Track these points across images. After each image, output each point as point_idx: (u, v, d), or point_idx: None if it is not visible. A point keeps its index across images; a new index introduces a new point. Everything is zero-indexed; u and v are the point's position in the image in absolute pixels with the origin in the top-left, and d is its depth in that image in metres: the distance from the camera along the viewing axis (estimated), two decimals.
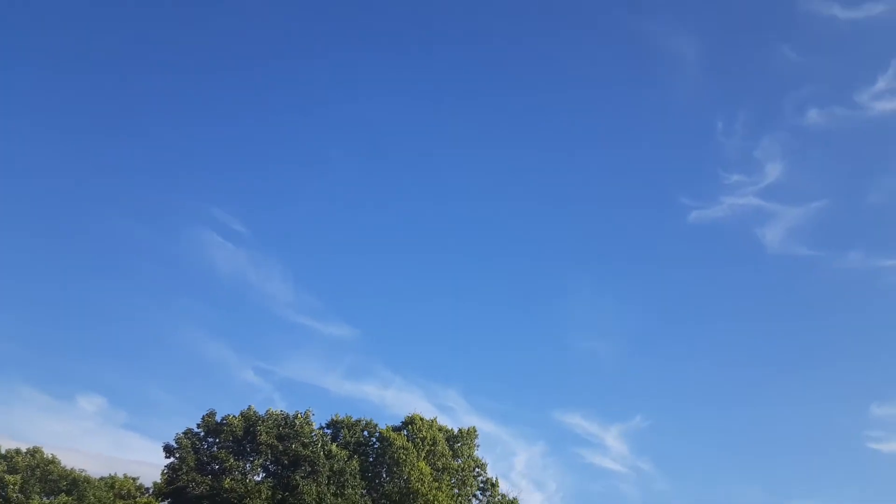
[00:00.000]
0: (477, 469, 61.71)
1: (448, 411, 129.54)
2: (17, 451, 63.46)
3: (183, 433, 45.47)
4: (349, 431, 55.71)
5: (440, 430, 59.76)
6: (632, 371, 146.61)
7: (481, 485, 61.50)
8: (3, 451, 62.83)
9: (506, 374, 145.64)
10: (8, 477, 60.56)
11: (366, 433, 57.34)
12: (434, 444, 56.09)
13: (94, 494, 59.48)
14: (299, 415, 49.01)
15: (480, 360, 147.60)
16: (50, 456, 63.86)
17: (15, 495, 59.76)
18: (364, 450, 55.75)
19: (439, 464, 56.36)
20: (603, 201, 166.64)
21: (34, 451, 63.77)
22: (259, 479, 46.65)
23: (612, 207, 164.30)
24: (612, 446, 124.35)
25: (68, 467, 62.22)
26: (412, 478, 52.04)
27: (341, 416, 56.68)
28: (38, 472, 62.18)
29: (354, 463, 50.79)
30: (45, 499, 59.92)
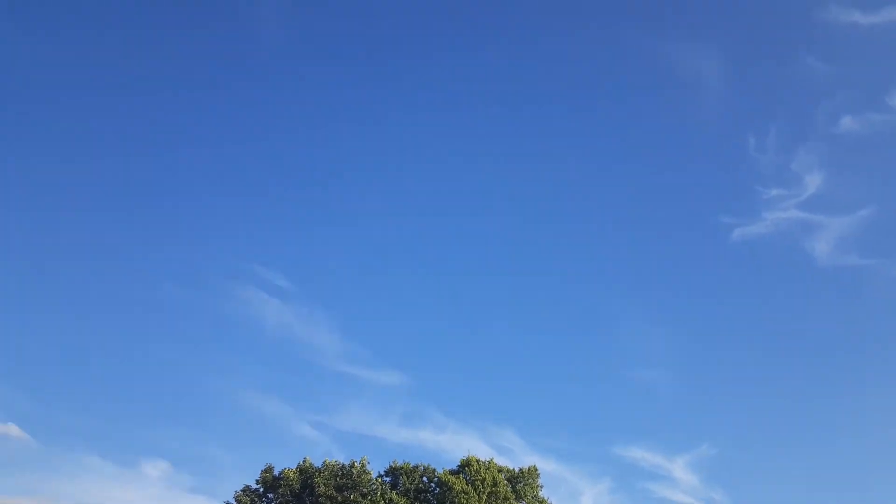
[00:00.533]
0: None
1: (506, 452, 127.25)
2: None
3: (241, 490, 45.60)
4: (408, 478, 54.98)
5: (500, 470, 58.56)
6: (690, 399, 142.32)
7: None
8: None
9: (562, 410, 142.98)
10: None
11: (425, 479, 56.51)
12: (494, 485, 54.89)
13: None
14: (355, 463, 48.70)
15: (535, 396, 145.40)
16: None
17: None
18: (424, 496, 54.87)
19: None
20: (641, 225, 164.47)
21: None
22: None
23: (651, 231, 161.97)
24: (681, 478, 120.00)
25: None
26: None
27: (399, 463, 56.05)
28: None
29: None
30: None
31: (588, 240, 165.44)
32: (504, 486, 56.12)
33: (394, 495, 49.83)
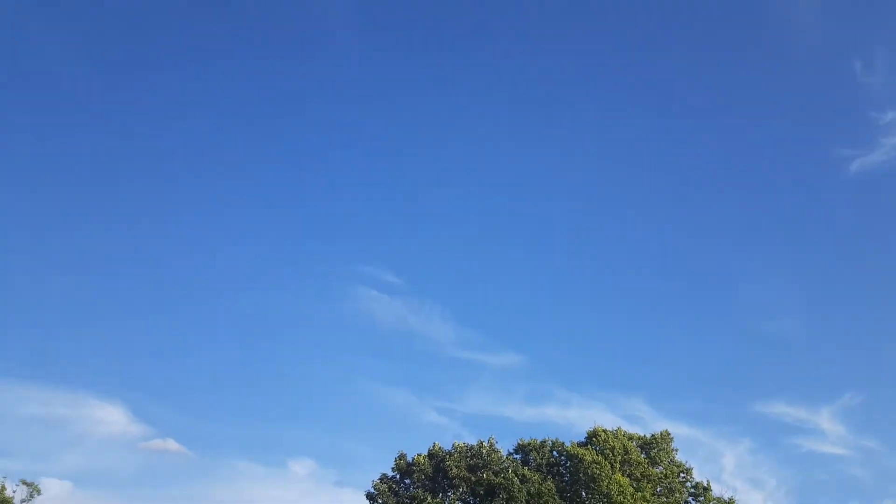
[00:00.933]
0: (682, 474, 58.73)
1: (636, 421, 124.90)
2: None
3: (379, 479, 47.53)
4: (538, 453, 55.32)
5: (630, 438, 57.76)
6: (826, 347, 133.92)
7: (691, 490, 58.45)
8: None
9: (691, 371, 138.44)
10: None
11: (555, 453, 56.66)
12: (626, 452, 54.25)
13: None
14: (483, 444, 49.52)
15: (661, 360, 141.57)
16: None
17: None
18: (556, 470, 55.06)
19: (637, 473, 54.33)
20: (754, 172, 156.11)
21: None
22: None
23: (765, 177, 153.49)
24: (829, 429, 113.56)
25: None
26: (612, 491, 50.51)
27: (526, 440, 56.47)
28: None
29: (550, 483, 50.26)
30: None
31: (700, 193, 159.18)
32: (636, 453, 55.37)
33: (526, 471, 50.29)
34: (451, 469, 45.68)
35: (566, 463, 54.72)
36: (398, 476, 47.82)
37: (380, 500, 46.37)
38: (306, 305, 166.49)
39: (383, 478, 47.55)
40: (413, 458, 47.80)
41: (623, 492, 49.93)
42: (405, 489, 47.39)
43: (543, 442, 56.93)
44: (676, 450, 59.75)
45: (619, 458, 54.20)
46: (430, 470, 46.72)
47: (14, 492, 34.38)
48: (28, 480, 34.68)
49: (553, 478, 52.69)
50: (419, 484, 46.69)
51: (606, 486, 50.49)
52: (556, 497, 48.91)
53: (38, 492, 34.96)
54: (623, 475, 52.45)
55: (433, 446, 48.12)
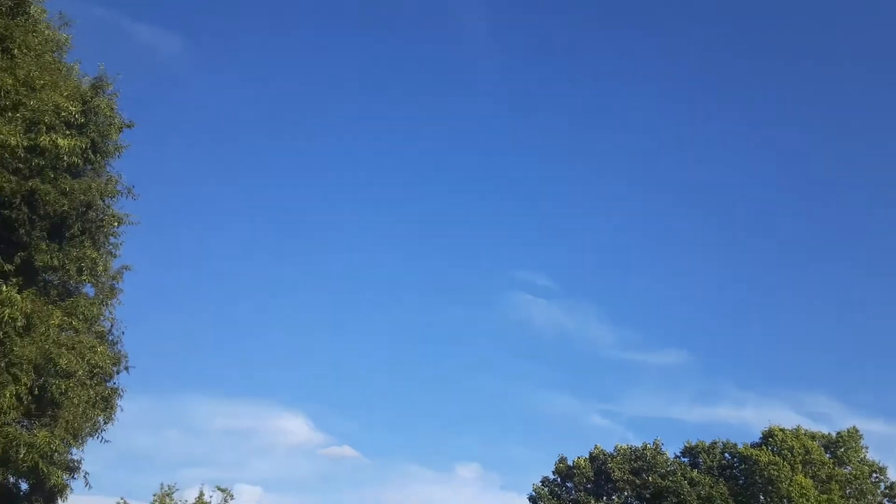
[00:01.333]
0: (875, 474, 53.85)
1: (822, 419, 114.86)
2: None
3: (540, 482, 47.93)
4: (707, 456, 53.03)
5: (812, 437, 53.75)
6: None
7: (885, 491, 53.43)
8: None
9: (886, 362, 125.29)
10: None
11: (727, 455, 54.02)
12: (807, 452, 50.53)
13: None
14: (648, 446, 48.36)
15: (849, 350, 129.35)
16: None
17: None
18: (729, 473, 52.46)
19: (821, 474, 50.45)
20: None
21: None
22: None
23: None
24: None
25: None
26: (794, 494, 47.33)
27: (693, 442, 54.35)
28: None
29: (722, 487, 48.06)
30: None
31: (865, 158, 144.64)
32: (819, 452, 51.43)
33: (695, 474, 48.46)
34: (614, 472, 45.11)
35: (739, 465, 51.98)
36: (559, 479, 47.99)
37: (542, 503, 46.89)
38: (465, 313, 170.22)
39: (544, 481, 47.91)
40: (573, 461, 47.79)
41: (806, 494, 46.59)
42: (567, 492, 47.44)
43: (713, 444, 54.49)
44: (867, 448, 54.85)
45: (800, 458, 50.64)
46: (590, 473, 46.45)
47: (211, 497, 38.46)
48: (222, 486, 38.66)
49: (726, 481, 50.32)
50: (581, 487, 46.54)
51: (787, 488, 47.39)
52: (729, 500, 46.70)
53: (231, 497, 38.81)
54: (805, 477, 48.97)
55: (594, 449, 47.83)
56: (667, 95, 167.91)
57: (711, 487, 47.08)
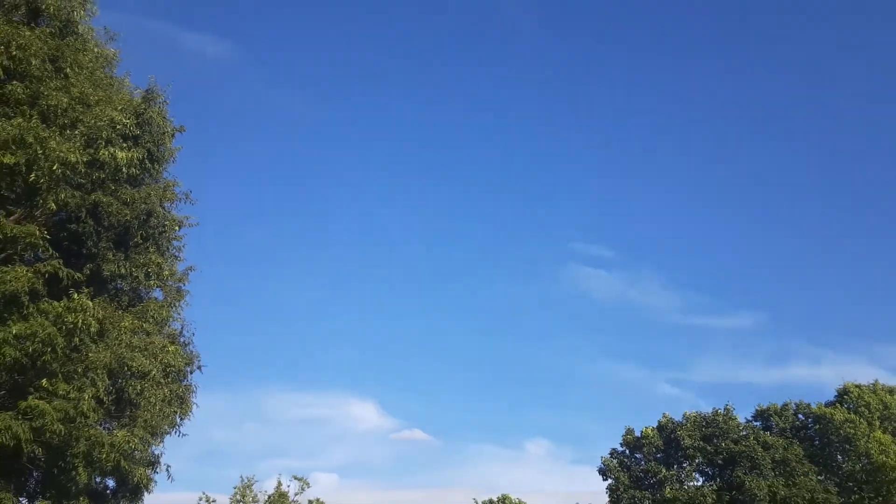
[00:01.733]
0: None
1: None
2: (491, 501, 72.61)
3: (609, 454, 47.74)
4: (780, 418, 51.89)
5: (890, 392, 52.02)
6: None
7: None
8: (480, 502, 72.54)
9: None
10: None
11: (800, 416, 52.78)
12: (885, 408, 48.94)
13: None
14: (719, 412, 47.58)
15: None
16: (517, 500, 71.64)
17: None
18: (803, 434, 51.25)
19: None
20: None
21: (503, 499, 72.21)
22: (698, 483, 46.15)
23: None
24: None
25: None
26: (872, 451, 45.96)
27: (765, 405, 53.24)
28: None
29: (797, 448, 46.93)
30: None
31: None
32: None
33: (767, 437, 47.48)
34: (684, 439, 44.56)
35: (814, 426, 50.73)
36: (628, 451, 47.69)
37: (612, 476, 46.58)
38: (527, 290, 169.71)
39: (613, 453, 47.69)
40: (641, 432, 47.39)
41: (885, 451, 45.16)
42: (636, 463, 47.12)
43: (785, 405, 53.27)
44: None
45: (878, 414, 49.11)
46: (659, 442, 45.99)
47: (288, 486, 39.66)
48: (299, 476, 39.81)
49: (800, 442, 49.16)
50: (650, 457, 46.16)
51: (865, 445, 46.05)
52: (804, 462, 45.61)
53: (308, 485, 39.94)
54: (884, 433, 47.47)
55: (662, 418, 47.32)
56: (719, 65, 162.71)
57: (786, 450, 46.06)
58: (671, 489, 43.87)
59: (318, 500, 39.99)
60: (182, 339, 22.34)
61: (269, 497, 39.37)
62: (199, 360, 22.60)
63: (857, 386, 51.95)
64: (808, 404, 51.93)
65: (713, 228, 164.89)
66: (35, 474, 21.00)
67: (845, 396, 51.10)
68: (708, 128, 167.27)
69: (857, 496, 47.87)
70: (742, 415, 51.28)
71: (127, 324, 19.41)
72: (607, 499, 48.37)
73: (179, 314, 22.39)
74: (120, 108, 18.69)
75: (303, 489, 39.75)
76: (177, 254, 21.66)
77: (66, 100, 17.57)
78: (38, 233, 17.03)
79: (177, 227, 21.20)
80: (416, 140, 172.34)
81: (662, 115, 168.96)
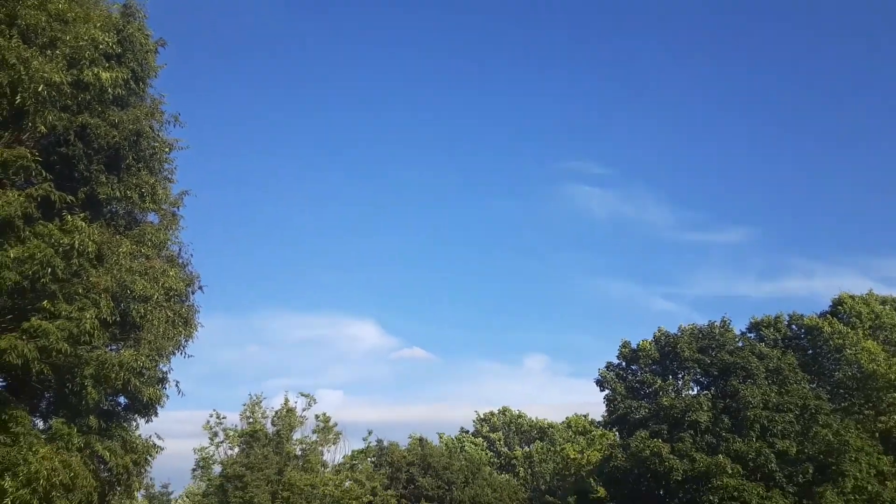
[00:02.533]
0: None
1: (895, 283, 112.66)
2: (492, 413, 75.14)
3: (605, 367, 48.91)
4: (773, 329, 52.89)
5: (883, 302, 52.83)
6: None
7: None
8: (482, 415, 75.07)
9: None
10: (493, 434, 72.10)
11: (793, 327, 53.75)
12: (876, 318, 49.81)
13: (561, 437, 67.27)
14: (714, 324, 48.46)
15: None
16: (517, 412, 74.12)
17: (503, 449, 70.91)
18: (796, 344, 52.34)
19: (894, 338, 49.85)
20: None
21: (504, 411, 74.74)
22: (693, 393, 47.46)
23: None
24: None
25: (533, 418, 71.33)
26: (862, 359, 47.06)
27: (759, 318, 54.17)
28: (512, 427, 72.71)
29: (791, 358, 48.02)
30: (524, 447, 69.70)
31: None
32: (890, 317, 50.61)
33: (762, 348, 48.50)
34: (683, 350, 45.51)
35: (805, 337, 51.75)
36: (624, 363, 48.83)
37: (608, 387, 47.89)
38: (523, 209, 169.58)
39: (609, 365, 48.87)
40: (637, 345, 48.42)
41: (875, 359, 46.27)
42: (633, 375, 48.33)
43: (778, 317, 54.17)
44: None
45: (869, 324, 50.02)
46: (656, 354, 47.04)
47: (295, 403, 40.93)
48: (305, 392, 41.04)
49: (794, 352, 50.25)
50: (647, 369, 47.31)
51: (854, 354, 47.12)
52: (797, 371, 46.76)
53: (314, 401, 41.24)
54: (875, 342, 48.49)
55: (658, 331, 48.21)
56: None
57: (779, 360, 47.13)
58: (667, 398, 45.13)
59: (324, 414, 41.33)
60: (180, 261, 22.58)
61: (277, 413, 40.67)
62: (199, 281, 22.93)
63: (851, 297, 52.69)
64: (801, 315, 52.81)
65: (707, 146, 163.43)
66: (46, 395, 21.66)
67: (840, 307, 51.91)
68: (704, 53, 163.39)
69: (847, 403, 49.34)
70: (737, 328, 52.29)
71: (125, 248, 19.57)
72: (604, 409, 49.95)
73: (177, 237, 22.56)
74: (100, 25, 18.26)
75: (310, 405, 41.06)
76: (169, 176, 21.61)
77: (43, 17, 17.15)
78: (29, 155, 16.98)
79: (167, 150, 21.07)
80: (423, 51, 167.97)
81: (660, 40, 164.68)
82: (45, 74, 16.39)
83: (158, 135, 20.86)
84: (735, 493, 41.02)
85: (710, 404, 45.06)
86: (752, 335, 53.12)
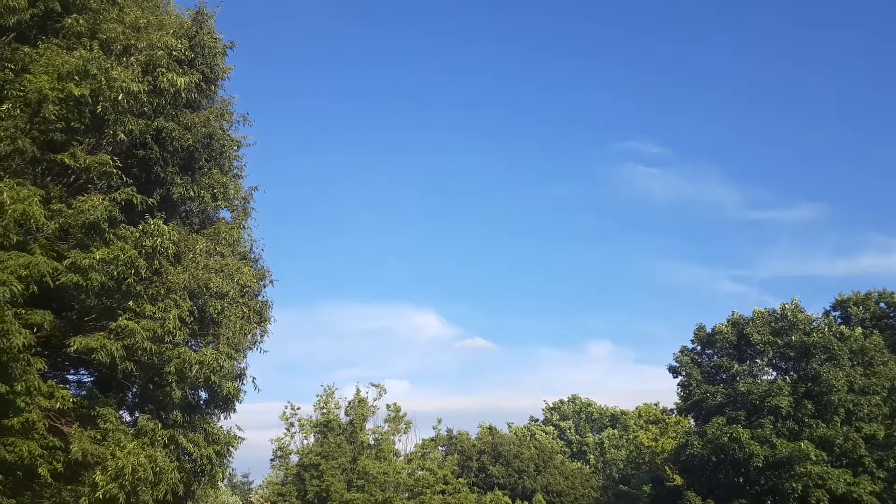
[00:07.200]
0: None
1: None
2: (562, 402, 74.56)
3: (679, 351, 47.71)
4: (860, 308, 50.54)
5: None
6: None
7: None
8: (551, 404, 74.57)
9: None
10: (562, 423, 71.57)
11: (882, 305, 51.25)
12: None
13: (634, 423, 66.23)
14: (786, 306, 46.66)
15: None
16: (587, 399, 73.33)
17: (574, 437, 70.31)
18: (885, 323, 49.87)
19: None
20: None
21: (573, 399, 74.05)
22: (772, 377, 45.82)
23: None
24: None
25: (603, 405, 70.45)
26: None
27: (846, 295, 51.85)
28: (583, 415, 72.00)
29: (877, 338, 45.79)
30: (595, 435, 68.96)
31: None
32: None
33: (843, 329, 46.41)
34: (753, 335, 44.04)
35: (895, 314, 49.24)
36: (699, 348, 47.55)
37: (683, 372, 46.71)
38: (583, 193, 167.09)
39: (683, 350, 47.67)
40: (713, 328, 47.04)
41: None
42: (708, 360, 47.03)
43: (868, 294, 51.73)
44: None
45: None
46: (733, 338, 45.59)
47: (367, 393, 41.57)
48: (375, 382, 41.64)
49: (882, 332, 47.89)
50: (723, 353, 45.94)
51: None
52: (884, 352, 44.54)
53: (385, 391, 41.80)
54: None
55: (733, 314, 46.72)
56: None
57: (864, 340, 45.00)
58: (745, 383, 43.78)
59: (395, 404, 41.83)
60: (252, 256, 23.08)
61: (350, 403, 41.44)
62: (270, 275, 23.41)
63: None
64: (892, 293, 50.29)
65: (769, 119, 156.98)
66: (133, 390, 22.52)
67: None
68: (762, 20, 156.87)
69: None
70: (810, 309, 50.24)
71: (202, 246, 20.10)
72: (677, 395, 48.75)
73: (248, 234, 23.08)
74: (172, 31, 18.77)
75: (380, 395, 41.66)
76: (239, 173, 22.09)
77: (119, 29, 17.73)
78: (111, 162, 17.59)
79: (236, 147, 21.54)
80: (472, 41, 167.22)
81: (716, 8, 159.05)
82: (125, 84, 16.94)
83: (227, 134, 21.36)
84: (820, 481, 39.50)
85: (790, 388, 43.48)
86: (836, 314, 50.91)
